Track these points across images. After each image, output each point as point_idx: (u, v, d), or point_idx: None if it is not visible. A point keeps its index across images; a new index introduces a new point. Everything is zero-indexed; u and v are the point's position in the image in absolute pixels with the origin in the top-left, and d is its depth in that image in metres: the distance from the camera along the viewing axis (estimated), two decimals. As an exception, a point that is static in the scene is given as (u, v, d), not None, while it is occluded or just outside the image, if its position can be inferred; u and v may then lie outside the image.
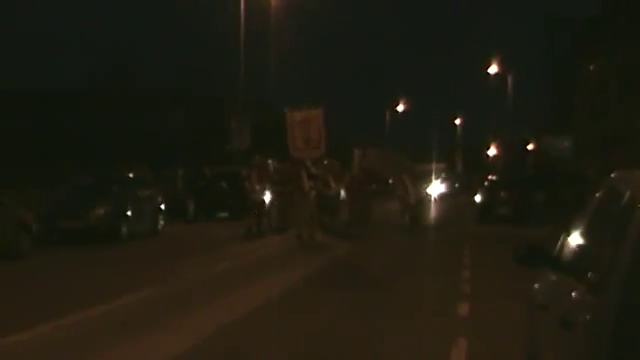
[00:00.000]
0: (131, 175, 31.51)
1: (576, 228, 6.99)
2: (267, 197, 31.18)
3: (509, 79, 74.40)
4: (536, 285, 7.87)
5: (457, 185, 64.93)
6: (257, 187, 30.57)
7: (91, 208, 26.81)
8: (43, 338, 12.00)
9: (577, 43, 61.58)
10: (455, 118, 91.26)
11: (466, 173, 70.90)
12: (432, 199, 44.40)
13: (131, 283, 17.31)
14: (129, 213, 27.91)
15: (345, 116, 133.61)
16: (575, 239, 6.85)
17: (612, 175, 6.67)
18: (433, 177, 51.09)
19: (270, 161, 33.39)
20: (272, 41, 43.83)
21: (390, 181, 41.07)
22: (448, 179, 64.18)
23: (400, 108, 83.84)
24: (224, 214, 37.06)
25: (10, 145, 50.56)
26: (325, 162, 33.15)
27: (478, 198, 45.17)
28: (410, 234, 30.37)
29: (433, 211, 40.90)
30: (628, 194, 5.71)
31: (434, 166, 57.24)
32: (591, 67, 57.66)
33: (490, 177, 49.05)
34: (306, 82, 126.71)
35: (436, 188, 50.65)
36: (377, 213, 36.46)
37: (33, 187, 30.85)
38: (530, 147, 62.67)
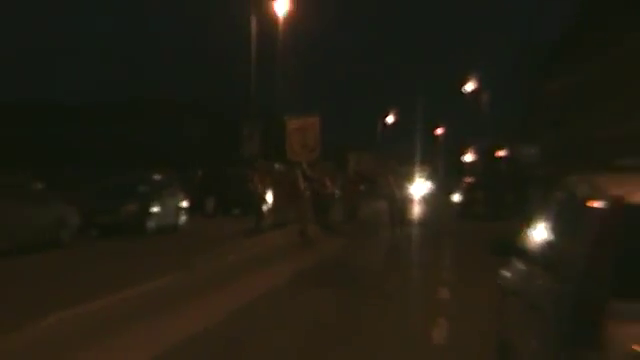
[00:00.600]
0: (157, 176, 31.56)
1: (540, 223, 7.04)
2: (269, 196, 30.94)
3: (484, 94, 75.15)
4: (507, 273, 7.92)
5: (438, 186, 64.86)
6: (259, 187, 30.22)
7: (122, 206, 26.80)
8: (84, 315, 12.14)
9: (541, 64, 61.93)
10: (437, 128, 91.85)
11: (446, 176, 70.93)
12: (415, 198, 43.86)
13: (153, 272, 17.29)
14: (155, 210, 27.92)
15: (343, 124, 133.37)
16: (539, 233, 6.90)
17: (569, 178, 6.72)
18: (417, 178, 51.28)
19: (277, 165, 33.39)
20: (278, 58, 43.78)
21: (381, 182, 41.13)
22: (430, 180, 64.32)
23: (390, 119, 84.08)
24: (237, 211, 37.05)
25: (52, 150, 50.73)
26: (321, 165, 32.49)
27: (456, 198, 45.32)
28: (396, 229, 29.60)
29: (416, 209, 40.94)
30: (584, 194, 5.75)
31: (418, 169, 57.42)
32: (553, 86, 58.04)
33: (467, 180, 49.19)
34: (309, 94, 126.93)
35: (420, 188, 50.65)
36: (367, 211, 36.34)
37: (72, 187, 30.81)
38: (502, 153, 62.70)
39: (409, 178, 38.04)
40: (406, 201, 34.72)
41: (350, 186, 35.06)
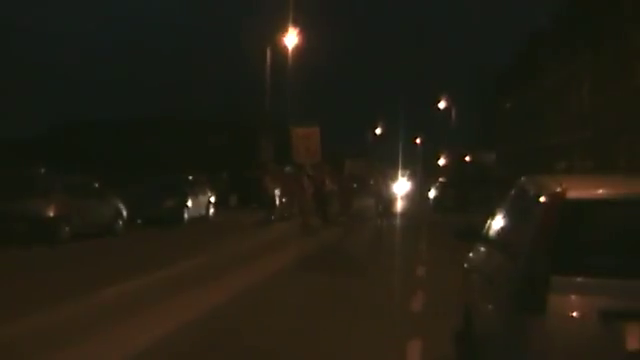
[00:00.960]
0: (191, 177, 31.63)
1: (498, 215, 7.10)
2: (277, 193, 30.45)
3: (453, 110, 75.69)
4: (471, 254, 7.98)
5: (418, 185, 64.62)
6: (270, 186, 29.90)
7: (163, 201, 26.85)
8: (137, 287, 12.33)
9: (498, 85, 62.40)
10: (416, 137, 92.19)
11: (424, 176, 70.83)
12: (399, 195, 43.11)
13: (187, 253, 17.51)
14: (189, 204, 27.98)
15: (340, 133, 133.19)
16: (498, 222, 6.96)
17: (522, 178, 6.78)
18: (400, 178, 51.13)
19: (287, 167, 33.25)
20: (289, 79, 43.77)
21: (371, 182, 41.11)
22: (411, 181, 64.23)
23: (378, 130, 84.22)
24: (255, 205, 37.09)
25: (112, 157, 51.19)
26: (321, 166, 31.99)
27: (432, 194, 45.28)
28: (382, 220, 29.56)
29: (399, 204, 40.88)
30: (532, 191, 5.82)
31: (400, 171, 57.34)
32: (507, 105, 58.37)
33: (440, 179, 49.15)
34: (312, 109, 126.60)
35: (402, 187, 50.22)
36: (358, 206, 36.16)
37: (123, 186, 30.86)
38: (468, 158, 62.75)
39: (393, 178, 37.61)
40: (391, 198, 34.17)
41: (345, 185, 34.16)
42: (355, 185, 35.70)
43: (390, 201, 33.24)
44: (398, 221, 31.94)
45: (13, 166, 27.78)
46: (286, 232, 25.40)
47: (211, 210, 30.10)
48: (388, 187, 33.65)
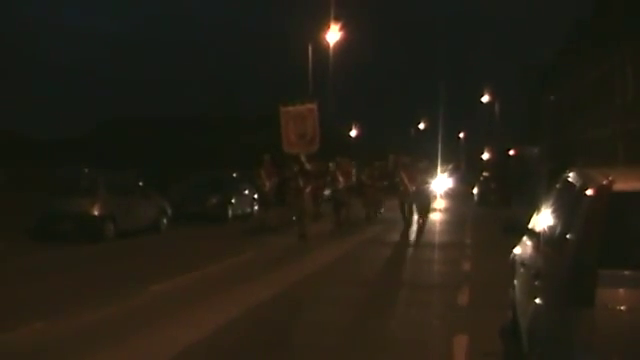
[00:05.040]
0: (235, 175, 31.77)
1: (544, 208, 7.09)
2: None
3: (496, 105, 75.06)
4: (517, 248, 7.97)
5: (461, 180, 63.84)
6: (267, 183, 24.36)
7: (207, 198, 26.92)
8: (182, 284, 12.45)
9: (542, 81, 61.82)
10: (460, 132, 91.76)
11: (468, 171, 70.21)
12: (439, 192, 38.95)
13: (233, 250, 17.67)
14: (233, 201, 28.07)
15: (384, 131, 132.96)
16: (544, 216, 6.94)
17: (568, 172, 6.76)
18: (440, 174, 48.12)
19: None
20: (330, 75, 43.72)
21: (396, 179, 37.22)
22: (454, 175, 63.55)
23: (421, 125, 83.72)
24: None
25: (157, 155, 51.85)
26: (337, 160, 27.40)
27: (475, 190, 45.06)
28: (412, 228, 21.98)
29: (440, 201, 39.16)
30: (578, 185, 5.81)
31: (441, 167, 56.32)
32: (552, 98, 57.80)
33: (484, 174, 48.91)
34: (357, 105, 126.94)
35: (442, 183, 47.23)
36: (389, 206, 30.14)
37: (168, 183, 31.06)
38: (511, 152, 62.18)
39: (431, 173, 28.83)
40: (429, 195, 24.60)
41: (372, 183, 28.73)
42: (385, 183, 28.94)
43: (427, 200, 24.33)
44: (442, 215, 31.62)
45: (62, 165, 28.23)
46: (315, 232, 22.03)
47: (255, 207, 29.94)
48: (421, 183, 22.67)
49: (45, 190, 21.31)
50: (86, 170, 24.00)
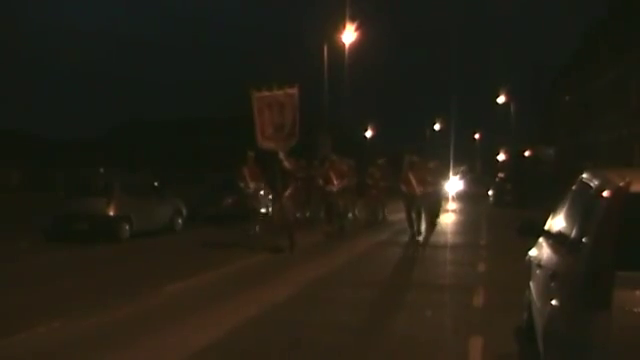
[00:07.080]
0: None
1: (560, 210, 7.06)
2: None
3: (512, 106, 74.76)
4: (533, 249, 7.94)
5: (476, 181, 63.38)
6: (251, 185, 22.60)
7: (221, 199, 26.93)
8: (199, 284, 12.52)
9: (556, 82, 61.56)
10: (475, 133, 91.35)
11: (483, 173, 70.02)
12: (449, 196, 37.26)
13: (255, 250, 17.70)
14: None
15: (398, 132, 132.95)
16: (560, 217, 6.92)
17: (583, 173, 6.73)
18: (452, 175, 47.04)
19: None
20: (345, 77, 43.73)
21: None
22: (468, 177, 62.96)
23: (437, 126, 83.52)
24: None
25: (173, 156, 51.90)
26: (333, 158, 24.68)
27: (491, 191, 44.94)
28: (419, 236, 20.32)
29: (453, 203, 38.58)
30: (594, 186, 5.78)
31: (454, 168, 55.72)
32: (567, 98, 57.49)
33: (499, 175, 48.83)
34: (370, 106, 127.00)
35: (454, 185, 45.15)
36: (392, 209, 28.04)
37: (181, 184, 31.16)
38: (527, 154, 62.00)
39: (442, 174, 27.93)
40: (439, 198, 24.80)
41: (374, 183, 26.51)
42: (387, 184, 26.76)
43: (437, 203, 24.13)
44: (457, 216, 31.54)
45: (78, 166, 28.34)
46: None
47: (270, 208, 29.72)
48: (432, 185, 21.65)
49: (61, 190, 21.45)
50: (101, 170, 24.09)
